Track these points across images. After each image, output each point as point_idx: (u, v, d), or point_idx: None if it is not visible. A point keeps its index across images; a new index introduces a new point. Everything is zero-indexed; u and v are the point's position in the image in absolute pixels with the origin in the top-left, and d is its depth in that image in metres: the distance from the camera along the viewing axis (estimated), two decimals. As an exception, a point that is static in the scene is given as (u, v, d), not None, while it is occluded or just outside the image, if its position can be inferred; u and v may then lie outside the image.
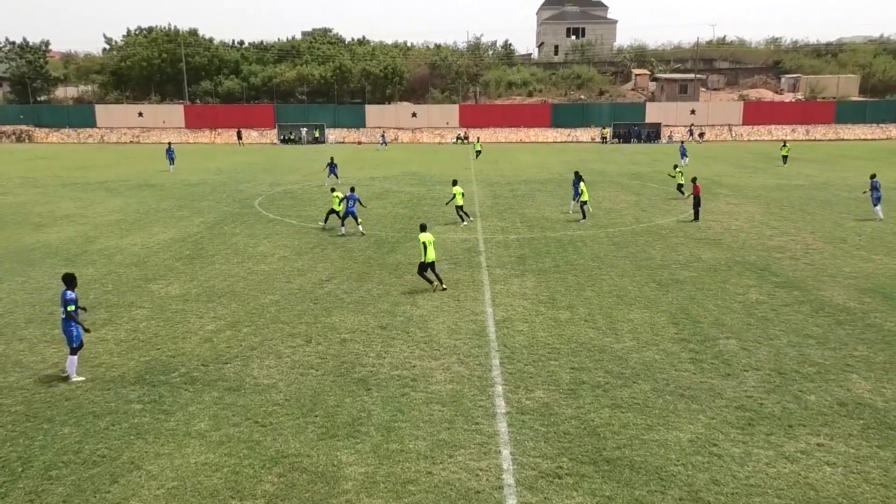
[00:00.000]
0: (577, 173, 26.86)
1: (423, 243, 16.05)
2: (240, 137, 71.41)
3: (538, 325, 13.99)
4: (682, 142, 56.25)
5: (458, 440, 9.46)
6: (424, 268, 16.33)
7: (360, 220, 23.53)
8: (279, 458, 9.09)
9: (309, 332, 13.63)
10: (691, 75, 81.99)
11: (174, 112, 76.11)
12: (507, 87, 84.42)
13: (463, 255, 20.26)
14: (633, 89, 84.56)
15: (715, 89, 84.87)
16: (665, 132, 71.97)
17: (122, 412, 10.42)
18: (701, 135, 70.59)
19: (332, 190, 24.60)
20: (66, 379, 11.53)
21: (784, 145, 47.72)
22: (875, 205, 25.42)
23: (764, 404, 10.50)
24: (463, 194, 26.50)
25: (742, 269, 18.44)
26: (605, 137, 69.71)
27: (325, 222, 24.54)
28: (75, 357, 11.51)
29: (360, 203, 24.22)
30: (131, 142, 75.15)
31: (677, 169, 32.06)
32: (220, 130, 75.40)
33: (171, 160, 44.63)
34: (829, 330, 13.62)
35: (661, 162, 48.80)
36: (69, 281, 11.51)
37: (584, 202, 25.90)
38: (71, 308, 11.21)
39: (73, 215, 27.65)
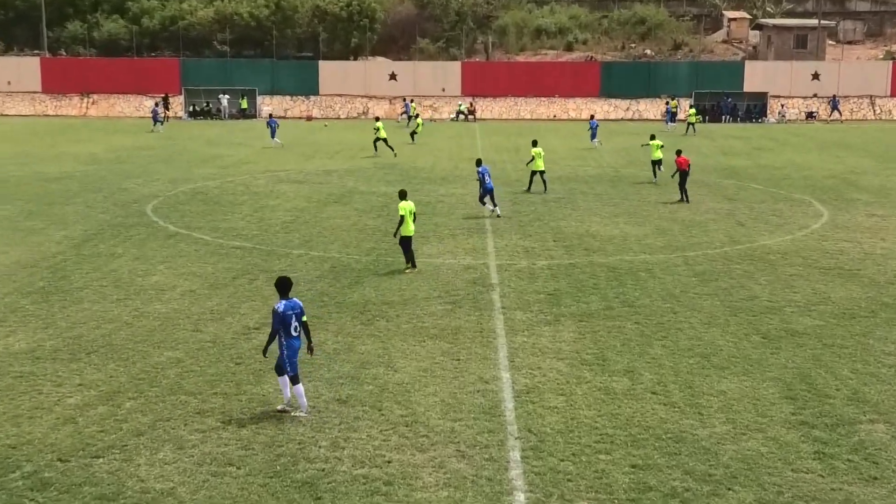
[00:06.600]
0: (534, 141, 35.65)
1: (402, 215, 20.91)
2: (167, 107, 70.99)
3: (580, 398, 13.96)
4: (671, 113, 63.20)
5: (456, 579, 9.36)
6: (408, 243, 21.25)
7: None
8: None
9: (228, 409, 13.57)
10: (813, 21, 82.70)
11: (25, 68, 76.28)
12: (533, 36, 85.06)
13: (466, 291, 20.15)
14: (724, 41, 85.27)
15: (849, 42, 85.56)
16: (773, 106, 72.15)
17: (-66, 532, 10.28)
18: (835, 106, 70.40)
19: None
20: None
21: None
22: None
23: (930, 525, 10.46)
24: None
25: (893, 314, 18.46)
26: (675, 113, 67.39)
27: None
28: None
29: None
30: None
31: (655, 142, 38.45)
32: (95, 97, 75.52)
33: (273, 132, 51.31)
34: None
35: (766, 151, 48.92)
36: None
37: (542, 171, 34.22)
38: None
39: None
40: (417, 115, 59.06)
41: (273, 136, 51.24)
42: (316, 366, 15.30)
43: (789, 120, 70.67)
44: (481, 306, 19.07)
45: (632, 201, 32.63)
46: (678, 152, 32.91)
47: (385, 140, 46.61)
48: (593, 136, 50.94)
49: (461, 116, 71.99)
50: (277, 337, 13.44)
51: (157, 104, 65.46)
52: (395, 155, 45.68)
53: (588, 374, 14.97)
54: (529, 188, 34.59)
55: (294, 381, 13.45)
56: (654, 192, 34.59)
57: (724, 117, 70.75)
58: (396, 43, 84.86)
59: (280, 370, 13.53)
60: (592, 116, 58.51)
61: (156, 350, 16.20)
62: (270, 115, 59.06)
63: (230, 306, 19.03)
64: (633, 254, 24.02)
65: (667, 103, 67.62)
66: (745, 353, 16.06)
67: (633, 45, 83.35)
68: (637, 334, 17.13)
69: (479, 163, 29.64)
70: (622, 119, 72.37)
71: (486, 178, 28.54)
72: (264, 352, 13.87)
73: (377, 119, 50.90)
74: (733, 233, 26.88)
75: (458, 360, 15.67)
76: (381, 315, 18.37)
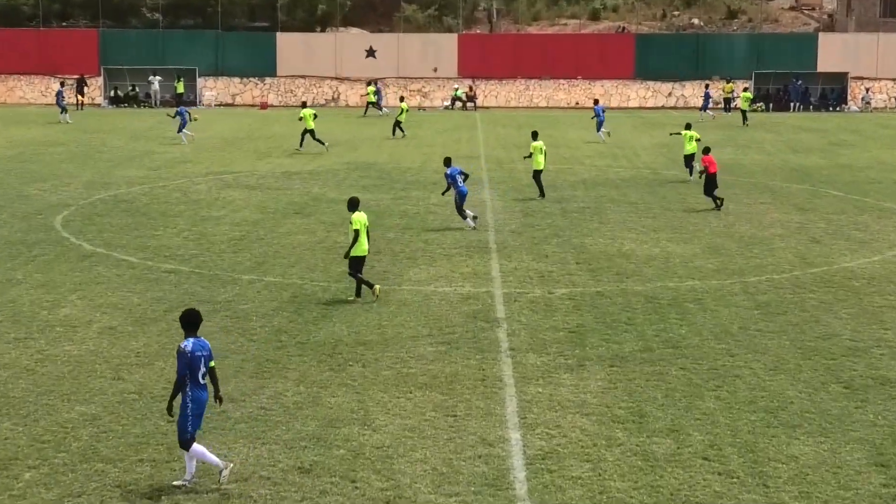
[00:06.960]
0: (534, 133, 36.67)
1: (357, 229, 21.20)
2: (81, 91, 71.59)
3: (611, 466, 13.58)
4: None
5: None
6: (359, 265, 21.62)
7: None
8: None
9: (157, 481, 13.15)
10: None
11: None
12: (550, 2, 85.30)
13: (465, 327, 20.04)
14: (792, 8, 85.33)
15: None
16: (855, 91, 71.79)
17: None
18: None
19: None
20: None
21: None
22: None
23: None
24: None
25: None
26: (730, 99, 68.88)
27: None
28: None
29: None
30: None
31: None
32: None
33: (185, 122, 51.03)
34: None
35: (847, 147, 48.59)
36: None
37: (539, 171, 35.01)
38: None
39: None
40: (402, 99, 59.32)
41: (182, 130, 50.93)
42: (272, 424, 14.96)
43: (876, 108, 70.58)
44: (484, 347, 18.80)
45: (675, 211, 32.47)
46: (706, 150, 33.64)
47: (312, 132, 46.81)
48: (600, 126, 52.04)
49: (458, 104, 71.98)
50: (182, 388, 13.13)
51: (62, 84, 64.94)
52: (327, 149, 46.50)
53: (621, 435, 14.64)
54: (542, 193, 34.84)
55: (188, 444, 12.95)
56: (702, 199, 34.13)
57: (792, 105, 71.26)
58: (375, 10, 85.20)
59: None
60: (597, 101, 57.84)
61: (65, 404, 15.81)
62: (179, 103, 59.36)
63: (161, 347, 18.61)
64: (678, 279, 23.88)
65: (706, 86, 67.63)
66: (821, 408, 15.73)
67: (675, 14, 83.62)
68: (684, 383, 16.83)
69: (447, 162, 29.87)
70: (663, 107, 72.72)
71: (459, 180, 29.31)
72: (169, 408, 13.36)
73: (304, 105, 50.68)
74: (806, 252, 26.79)
75: (455, 416, 15.38)
76: (355, 358, 18.08)
